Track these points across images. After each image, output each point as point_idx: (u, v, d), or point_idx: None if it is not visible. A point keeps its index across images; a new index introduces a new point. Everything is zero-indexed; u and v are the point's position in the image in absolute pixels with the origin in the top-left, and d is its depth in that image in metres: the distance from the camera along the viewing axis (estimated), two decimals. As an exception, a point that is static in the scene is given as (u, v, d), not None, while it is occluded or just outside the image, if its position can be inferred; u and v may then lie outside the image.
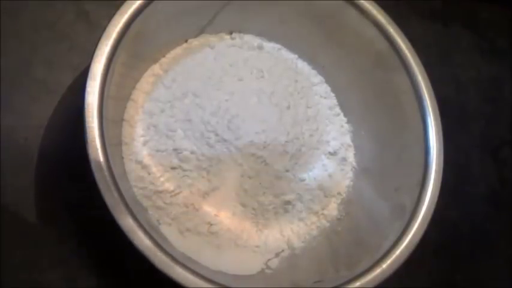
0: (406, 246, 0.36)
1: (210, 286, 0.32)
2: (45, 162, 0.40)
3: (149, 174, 0.39)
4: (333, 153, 0.45)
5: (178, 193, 0.39)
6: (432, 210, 0.38)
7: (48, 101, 0.42)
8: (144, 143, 0.40)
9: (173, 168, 0.39)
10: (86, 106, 0.32)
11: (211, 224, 0.40)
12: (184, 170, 0.39)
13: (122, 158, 0.39)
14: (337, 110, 0.47)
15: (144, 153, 0.39)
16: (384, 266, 0.36)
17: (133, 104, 0.41)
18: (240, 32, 0.46)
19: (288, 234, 0.42)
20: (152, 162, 0.39)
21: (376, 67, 0.44)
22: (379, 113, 0.45)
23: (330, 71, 0.47)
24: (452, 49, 0.57)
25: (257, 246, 0.41)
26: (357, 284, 0.35)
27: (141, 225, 0.32)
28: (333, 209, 0.44)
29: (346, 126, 0.46)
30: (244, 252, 0.40)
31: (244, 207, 0.41)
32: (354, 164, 0.45)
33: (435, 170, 0.39)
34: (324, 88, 0.47)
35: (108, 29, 0.35)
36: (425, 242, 0.37)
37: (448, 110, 0.42)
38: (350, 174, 0.45)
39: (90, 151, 0.32)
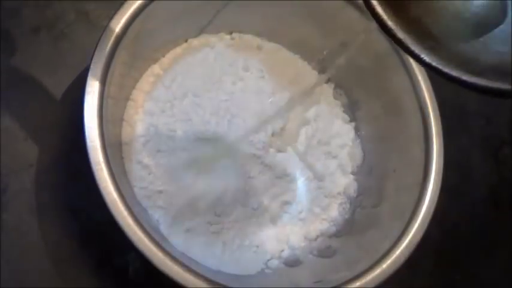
0: (406, 246, 0.36)
1: (210, 286, 0.32)
2: (45, 162, 0.40)
3: (149, 174, 0.39)
4: (333, 153, 0.45)
5: (178, 193, 0.39)
6: (432, 210, 0.38)
7: (48, 101, 0.42)
8: (144, 143, 0.40)
9: (173, 168, 0.39)
10: (85, 106, 0.32)
11: (211, 224, 0.40)
12: (184, 170, 0.39)
13: (122, 158, 0.39)
14: (338, 110, 0.47)
15: (144, 153, 0.39)
16: (384, 266, 0.36)
17: (133, 104, 0.41)
18: (240, 32, 0.46)
19: (288, 234, 0.42)
20: (152, 162, 0.39)
21: (376, 67, 0.44)
22: (379, 113, 0.45)
23: (330, 71, 0.47)
24: (452, 49, 0.57)
25: (257, 246, 0.41)
26: (357, 284, 0.35)
27: (141, 225, 0.32)
28: (333, 209, 0.44)
29: (347, 126, 0.46)
30: (244, 252, 0.40)
31: (244, 207, 0.41)
32: (354, 164, 0.45)
33: (435, 170, 0.39)
34: (324, 88, 0.47)
35: (108, 29, 0.35)
36: (425, 242, 0.37)
37: (448, 110, 0.41)
38: (350, 175, 0.45)
39: (90, 151, 0.32)
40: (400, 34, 0.24)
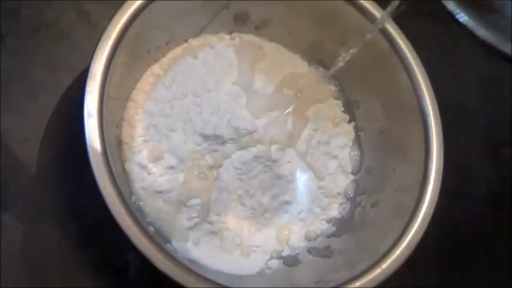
0: (406, 246, 0.36)
1: (210, 286, 0.32)
2: (45, 162, 0.40)
3: (149, 174, 0.39)
4: (333, 153, 0.45)
5: (178, 193, 0.39)
6: (432, 210, 0.38)
7: (48, 101, 0.42)
8: (144, 143, 0.40)
9: (173, 168, 0.39)
10: (86, 106, 0.32)
11: (211, 224, 0.40)
12: (184, 170, 0.39)
13: (122, 158, 0.39)
14: (338, 110, 0.47)
15: (144, 153, 0.39)
16: (384, 266, 0.36)
17: (133, 104, 0.41)
18: (240, 32, 0.46)
19: (288, 234, 0.42)
20: (152, 162, 0.39)
21: (376, 67, 0.44)
22: (379, 113, 0.45)
23: (330, 71, 0.47)
24: (452, 49, 0.57)
25: (257, 246, 0.41)
26: (357, 284, 0.35)
27: (141, 225, 0.32)
28: (332, 209, 0.44)
29: (347, 126, 0.46)
30: (244, 252, 0.40)
31: (244, 207, 0.41)
32: (354, 164, 0.45)
33: (435, 170, 0.39)
34: (324, 88, 0.47)
35: (108, 29, 0.35)
36: (425, 242, 0.37)
37: (448, 110, 0.41)
38: (350, 175, 0.45)
39: (90, 151, 0.32)
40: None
